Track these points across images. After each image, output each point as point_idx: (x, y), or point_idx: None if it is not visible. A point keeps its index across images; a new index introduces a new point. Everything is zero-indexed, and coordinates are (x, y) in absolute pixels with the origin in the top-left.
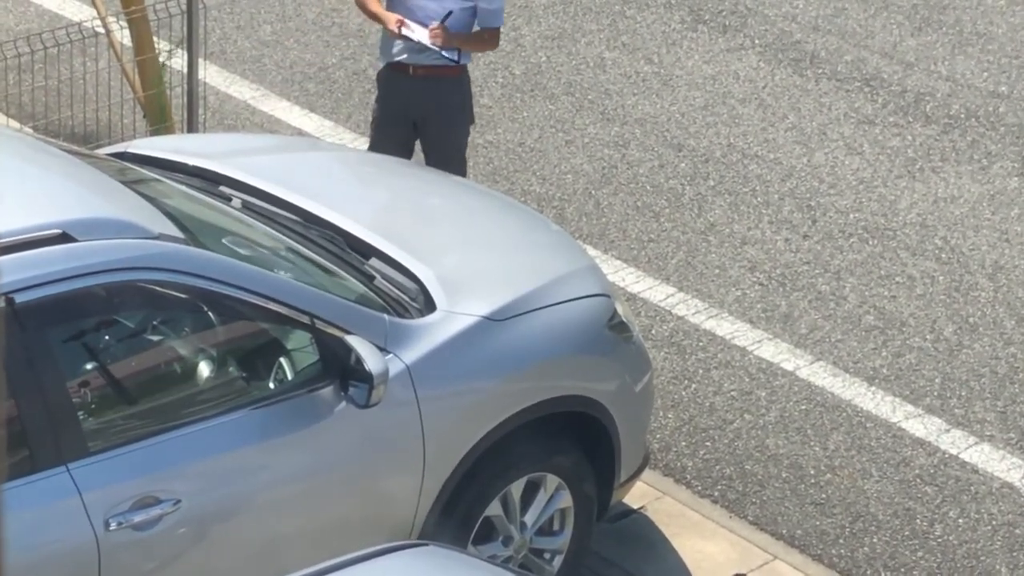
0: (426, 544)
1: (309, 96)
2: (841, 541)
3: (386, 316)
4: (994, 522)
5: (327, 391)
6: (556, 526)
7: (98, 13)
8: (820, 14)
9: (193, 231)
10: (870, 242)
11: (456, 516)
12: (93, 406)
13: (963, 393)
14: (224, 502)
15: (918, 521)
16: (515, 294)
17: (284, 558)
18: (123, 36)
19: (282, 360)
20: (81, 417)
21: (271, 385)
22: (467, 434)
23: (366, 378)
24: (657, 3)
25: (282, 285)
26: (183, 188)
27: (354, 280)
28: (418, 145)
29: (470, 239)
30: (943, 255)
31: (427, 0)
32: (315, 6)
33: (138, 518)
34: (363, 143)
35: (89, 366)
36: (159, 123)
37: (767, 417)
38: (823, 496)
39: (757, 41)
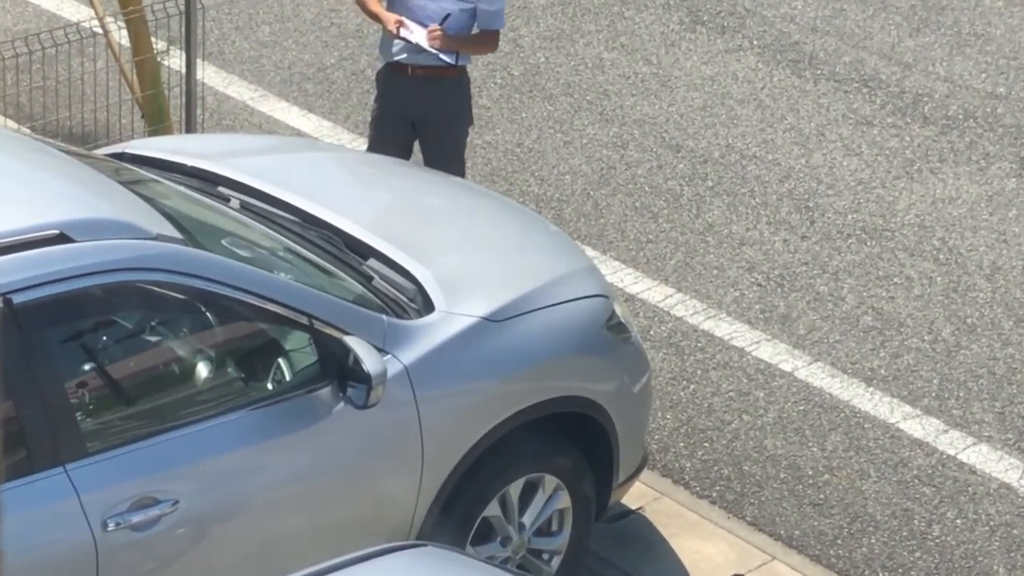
0: (424, 545)
1: (307, 96)
2: (839, 542)
3: (384, 317)
4: (992, 523)
5: (325, 392)
6: (554, 527)
7: (96, 13)
8: (819, 15)
9: (191, 232)
10: (868, 243)
11: (454, 517)
12: (91, 407)
13: (961, 394)
14: (222, 503)
15: (916, 522)
16: (513, 295)
17: (282, 559)
18: (121, 36)
19: (280, 361)
20: (79, 418)
21: (269, 386)
22: (465, 435)
23: (364, 379)
24: (656, 4)
25: (280, 286)
26: (181, 189)
27: (352, 281)
28: (417, 146)
29: (468, 240)
30: (941, 256)
31: (427, 0)
32: (313, 7)
33: (136, 519)
34: (361, 143)
35: (87, 367)
36: (157, 123)
37: (765, 418)
38: (821, 497)
39: (755, 42)
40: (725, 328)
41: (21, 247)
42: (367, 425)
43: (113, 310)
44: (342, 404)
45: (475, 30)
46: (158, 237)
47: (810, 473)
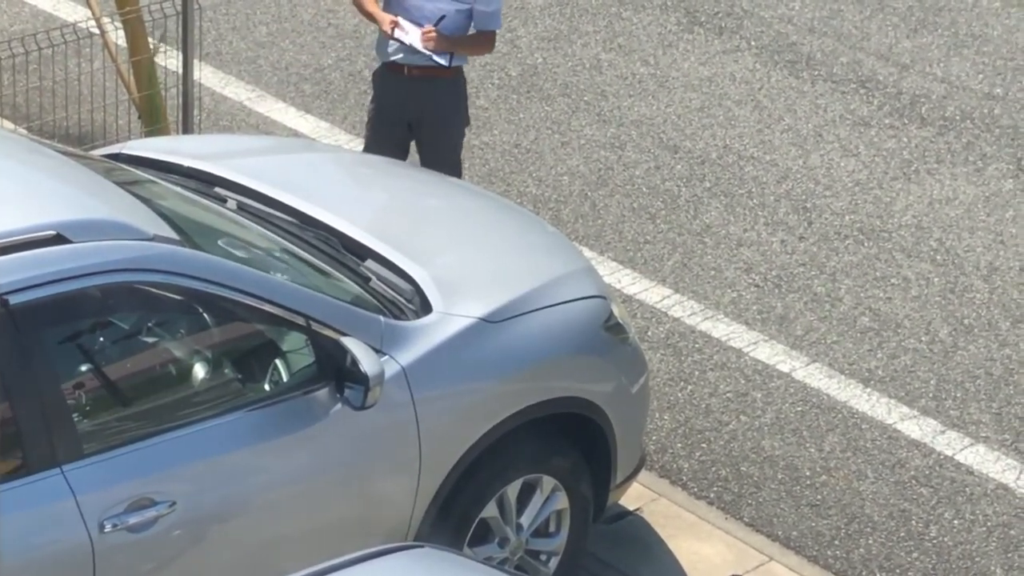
0: (422, 546)
1: (305, 97)
2: (837, 542)
3: (382, 318)
4: (989, 523)
5: (323, 393)
6: (552, 528)
7: (93, 14)
8: (816, 16)
9: (188, 232)
10: (866, 244)
11: (452, 518)
12: (88, 408)
13: (958, 395)
14: (220, 504)
15: (913, 522)
16: (511, 296)
17: (280, 560)
18: (118, 37)
19: (278, 362)
20: (76, 419)
21: (267, 387)
22: (463, 435)
23: (362, 380)
24: (653, 5)
25: (278, 287)
26: (178, 189)
27: (350, 282)
28: (413, 146)
29: (466, 241)
30: (938, 257)
31: (423, 0)
32: (311, 7)
33: (133, 520)
34: (359, 144)
35: (84, 368)
36: (154, 124)
37: (763, 419)
38: (819, 497)
39: (753, 43)
40: (723, 329)
41: (18, 248)
42: (364, 426)
43: (110, 311)
44: (339, 405)
45: (471, 31)
46: (155, 238)
47: (808, 474)
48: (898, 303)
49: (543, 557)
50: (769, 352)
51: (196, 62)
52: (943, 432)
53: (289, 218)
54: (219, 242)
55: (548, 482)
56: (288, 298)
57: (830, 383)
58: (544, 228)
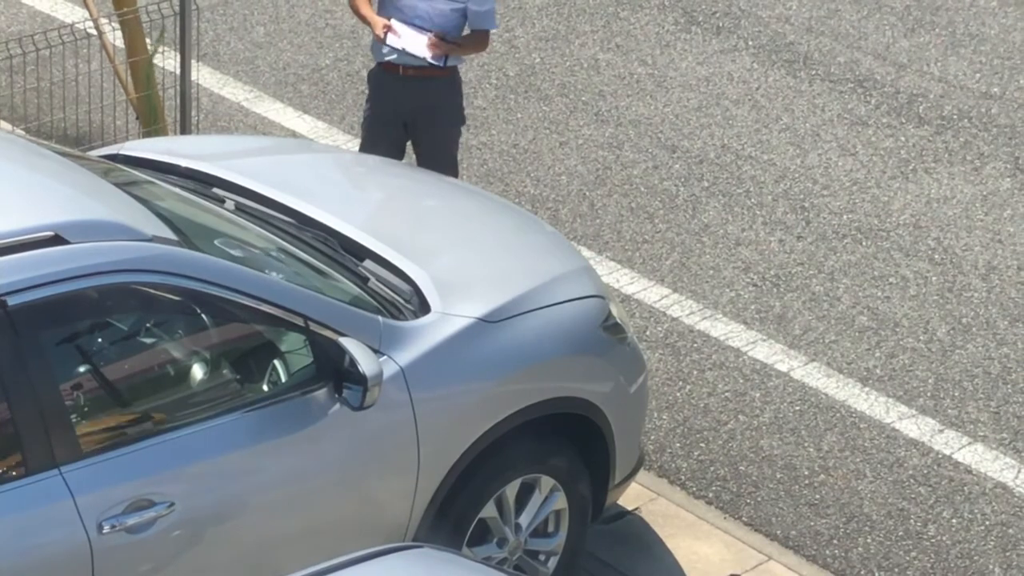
0: (420, 546)
1: (302, 98)
2: (835, 542)
3: (380, 318)
4: (987, 522)
5: (321, 393)
6: (551, 528)
7: (90, 15)
8: (813, 15)
9: (186, 233)
10: (864, 243)
11: (451, 518)
12: (86, 409)
13: (956, 393)
14: (218, 505)
15: (912, 521)
16: (509, 296)
17: (278, 561)
18: (115, 38)
19: (276, 362)
20: (74, 420)
21: (265, 387)
22: (462, 436)
23: (360, 380)
24: (651, 4)
25: (276, 287)
26: (176, 190)
27: (348, 282)
28: (409, 146)
29: (464, 241)
30: (936, 256)
31: (418, 1)
32: (308, 8)
33: (132, 521)
34: (356, 144)
35: (82, 369)
36: (152, 125)
37: (761, 418)
38: (817, 497)
39: (751, 42)
40: (721, 328)
41: (16, 249)
42: (363, 427)
43: (108, 312)
44: (338, 405)
45: (466, 30)
46: (153, 238)
47: (806, 473)
48: (896, 302)
49: (542, 557)
50: (767, 351)
51: (194, 63)
52: (941, 431)
53: (287, 218)
54: (217, 243)
55: (547, 482)
56: (286, 298)
57: (828, 382)
58: (542, 228)
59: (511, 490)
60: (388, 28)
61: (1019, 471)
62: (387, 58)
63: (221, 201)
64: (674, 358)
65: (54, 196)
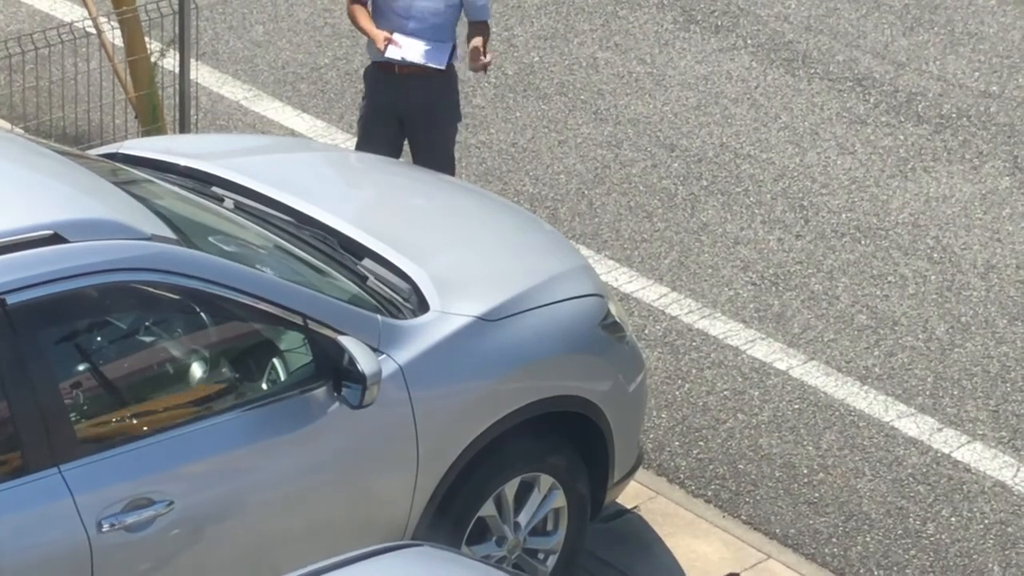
0: (420, 544)
1: (301, 96)
2: (834, 540)
3: (379, 316)
4: (986, 520)
5: (320, 392)
6: (550, 526)
7: (89, 13)
8: (812, 14)
9: (185, 232)
10: (862, 242)
11: (450, 516)
12: (85, 407)
13: (955, 392)
14: (217, 503)
15: (911, 520)
16: (508, 294)
17: (277, 559)
18: (114, 36)
19: (275, 361)
20: (73, 418)
21: (264, 386)
22: (461, 434)
23: (359, 379)
24: (649, 3)
25: (275, 286)
26: (175, 189)
27: (347, 280)
28: (406, 146)
29: (463, 239)
30: (935, 254)
31: None
32: (307, 6)
33: (131, 519)
34: (355, 143)
35: (81, 367)
36: (151, 124)
37: (760, 416)
38: (816, 495)
39: (749, 41)
40: (720, 327)
41: (15, 248)
42: (362, 425)
43: (107, 311)
44: (337, 404)
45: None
46: (152, 237)
47: (805, 472)
48: (895, 301)
49: (541, 555)
50: (766, 350)
51: (193, 61)
52: (940, 429)
53: (286, 217)
54: (216, 241)
55: (546, 480)
56: (285, 297)
57: (827, 381)
58: (541, 227)
59: (510, 488)
60: (389, 40)
61: (1018, 469)
62: (386, 56)
63: (220, 200)
64: (673, 357)
65: (53, 195)
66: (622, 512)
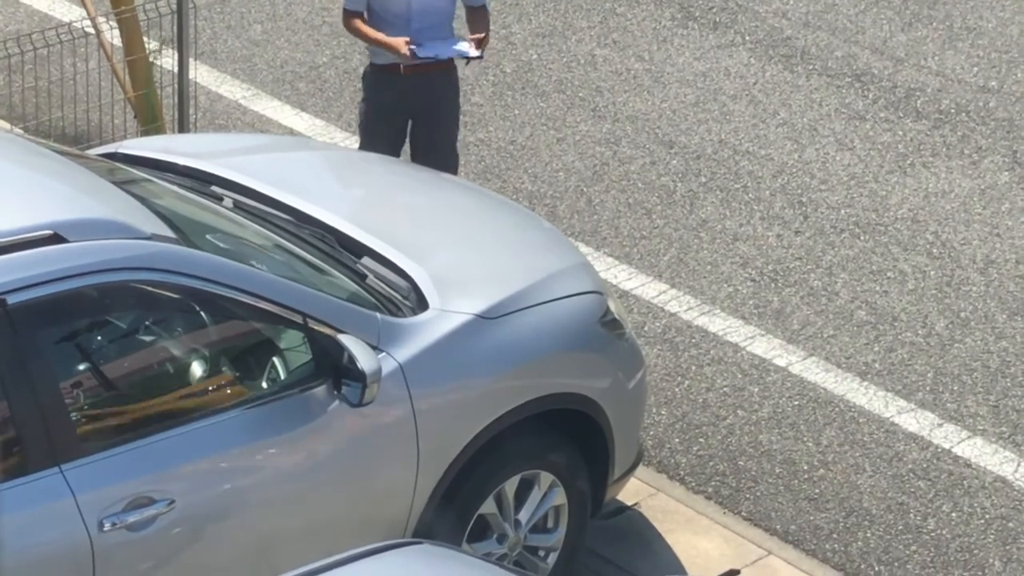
0: (420, 542)
1: (300, 95)
2: (835, 536)
3: (378, 315)
4: (987, 516)
5: (320, 390)
6: (550, 523)
7: (88, 13)
8: (810, 10)
9: (185, 231)
10: (861, 237)
11: (450, 514)
12: (86, 407)
13: (955, 387)
14: (218, 502)
15: (911, 515)
16: (507, 292)
17: (278, 557)
18: (113, 36)
19: (275, 359)
20: (74, 418)
21: (264, 384)
22: (461, 432)
23: (359, 377)
24: (647, 0)
25: (274, 284)
26: (174, 188)
27: (346, 279)
28: (406, 146)
29: (462, 237)
30: (934, 250)
31: None
32: (305, 5)
33: (132, 519)
34: (354, 142)
35: (82, 367)
36: (150, 123)
37: (760, 413)
38: (816, 491)
39: (748, 37)
40: (719, 324)
41: (15, 248)
42: (362, 423)
43: (107, 310)
44: (337, 402)
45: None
46: (152, 237)
47: (805, 468)
48: (894, 296)
49: (541, 553)
50: (766, 346)
51: (191, 61)
52: (941, 425)
53: (285, 216)
54: (216, 240)
55: (546, 478)
56: (285, 296)
57: (827, 377)
58: (540, 224)
59: (510, 486)
60: (410, 43)
61: (1018, 464)
62: (390, 60)
63: (219, 199)
64: (672, 353)
65: (53, 195)
66: (622, 509)
